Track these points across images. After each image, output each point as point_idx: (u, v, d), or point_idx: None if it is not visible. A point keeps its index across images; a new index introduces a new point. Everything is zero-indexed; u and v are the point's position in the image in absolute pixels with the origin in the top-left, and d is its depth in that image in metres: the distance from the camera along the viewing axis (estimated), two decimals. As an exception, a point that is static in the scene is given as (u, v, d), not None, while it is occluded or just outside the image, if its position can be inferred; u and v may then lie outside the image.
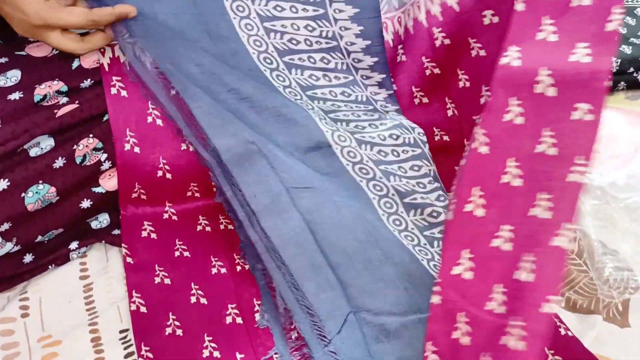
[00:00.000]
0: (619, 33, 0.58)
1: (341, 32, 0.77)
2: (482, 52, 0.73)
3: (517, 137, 0.60)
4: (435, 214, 0.72)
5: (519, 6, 0.63)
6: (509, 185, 0.60)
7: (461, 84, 0.76)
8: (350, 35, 0.77)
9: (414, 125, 0.77)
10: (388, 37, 0.79)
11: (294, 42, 0.77)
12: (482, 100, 0.74)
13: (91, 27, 0.66)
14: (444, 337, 0.60)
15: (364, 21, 0.77)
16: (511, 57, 0.61)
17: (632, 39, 0.88)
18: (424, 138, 0.77)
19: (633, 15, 0.92)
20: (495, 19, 0.70)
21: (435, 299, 0.61)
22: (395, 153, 0.74)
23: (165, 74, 0.67)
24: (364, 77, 0.79)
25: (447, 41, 0.74)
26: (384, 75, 0.80)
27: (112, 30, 0.67)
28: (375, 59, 0.79)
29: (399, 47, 0.79)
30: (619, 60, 0.85)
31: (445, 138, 0.79)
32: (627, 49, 0.86)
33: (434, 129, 0.79)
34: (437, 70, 0.77)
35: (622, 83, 0.86)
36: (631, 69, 0.85)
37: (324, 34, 0.77)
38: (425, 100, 0.79)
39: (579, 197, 0.56)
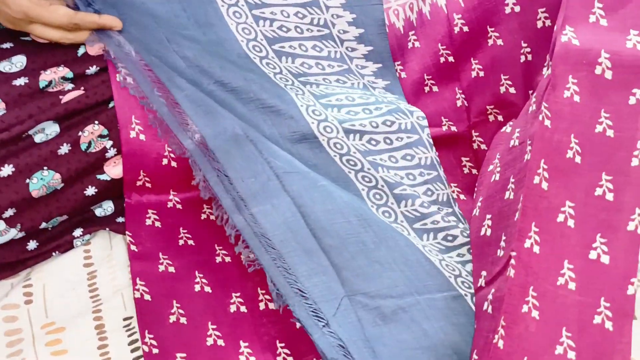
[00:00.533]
0: None
1: (333, 19, 0.77)
2: (500, 42, 0.72)
3: (577, 114, 0.61)
4: (425, 206, 0.71)
5: None
6: (572, 161, 0.60)
7: (474, 73, 0.76)
8: (343, 23, 0.77)
9: (413, 109, 0.76)
10: (399, 24, 0.78)
11: (284, 29, 0.76)
12: (502, 89, 0.74)
13: (72, 29, 0.66)
14: (515, 311, 0.59)
15: (357, 9, 0.77)
16: (570, 36, 0.62)
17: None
18: (424, 122, 0.76)
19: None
20: (517, 8, 0.70)
21: (510, 272, 0.60)
22: (388, 141, 0.73)
23: (150, 66, 0.67)
24: (359, 67, 0.79)
25: (465, 28, 0.73)
26: (379, 65, 0.79)
27: None
28: (370, 48, 0.78)
29: (411, 33, 0.78)
30: None
31: (453, 128, 0.78)
32: None
33: (442, 118, 0.78)
34: (451, 59, 0.76)
35: None
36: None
37: (315, 22, 0.76)
38: (435, 88, 0.78)
39: None
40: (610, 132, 0.60)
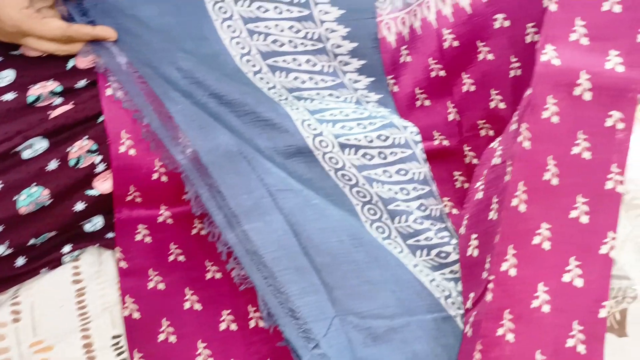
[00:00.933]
0: None
1: (327, 34, 0.76)
2: (490, 56, 0.72)
3: (554, 135, 0.62)
4: (418, 222, 0.71)
5: (552, 6, 0.63)
6: (549, 183, 0.61)
7: (465, 88, 0.75)
8: (337, 38, 0.76)
9: (407, 123, 0.76)
10: (391, 38, 0.78)
11: (278, 43, 0.76)
12: (492, 105, 0.74)
13: (66, 42, 0.65)
14: (491, 334, 0.60)
15: (351, 23, 0.76)
16: (550, 55, 0.62)
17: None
18: (418, 137, 0.76)
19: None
20: (507, 23, 0.70)
21: (488, 297, 0.61)
22: (382, 155, 0.73)
23: (144, 77, 0.67)
24: (352, 81, 0.79)
25: (455, 43, 0.73)
26: (372, 79, 0.79)
27: None
28: (363, 62, 0.78)
29: (402, 48, 0.78)
30: None
31: (445, 143, 0.78)
32: None
33: (434, 132, 0.78)
34: (442, 73, 0.76)
35: None
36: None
37: (309, 36, 0.76)
38: (427, 103, 0.78)
39: (619, 207, 0.59)
40: (586, 154, 0.60)
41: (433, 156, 0.77)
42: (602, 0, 0.62)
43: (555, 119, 0.61)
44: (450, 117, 0.77)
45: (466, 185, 0.78)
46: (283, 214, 0.65)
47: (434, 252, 0.71)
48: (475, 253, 0.66)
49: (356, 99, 0.78)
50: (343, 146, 0.71)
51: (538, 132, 0.61)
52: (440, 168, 0.78)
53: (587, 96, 0.61)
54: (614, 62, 0.60)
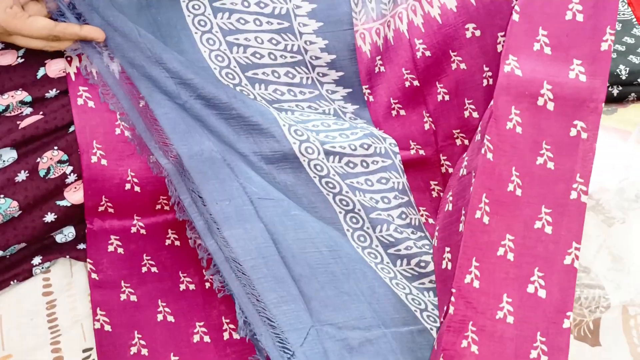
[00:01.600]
0: (611, 54, 0.62)
1: (306, 46, 0.77)
2: (463, 66, 0.73)
3: (518, 146, 0.62)
4: (399, 231, 0.71)
5: (515, 16, 0.64)
6: (513, 195, 0.62)
7: (440, 97, 0.76)
8: (315, 50, 0.77)
9: (385, 135, 0.77)
10: (365, 48, 0.78)
11: (258, 56, 0.76)
12: (466, 114, 0.74)
13: (52, 41, 0.64)
14: (454, 347, 0.60)
15: (329, 35, 0.77)
16: (512, 65, 0.63)
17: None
18: (396, 149, 0.76)
19: (631, 36, 0.93)
20: (477, 33, 0.70)
21: (450, 310, 0.61)
22: (365, 164, 0.74)
23: (132, 78, 0.67)
24: (329, 92, 0.79)
25: (427, 53, 0.74)
26: (349, 90, 0.79)
27: None
28: (341, 73, 0.78)
29: (377, 58, 0.78)
30: (628, 69, 0.86)
31: (421, 152, 0.78)
32: (635, 59, 0.87)
33: (410, 142, 0.79)
34: (416, 83, 0.76)
35: (633, 95, 0.87)
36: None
37: (288, 48, 0.76)
38: (402, 112, 0.78)
39: (583, 217, 0.60)
40: (550, 165, 0.61)
41: (410, 165, 0.78)
42: (565, 10, 0.62)
43: (518, 130, 0.62)
44: (426, 127, 0.77)
45: (442, 194, 0.79)
46: (263, 223, 0.65)
47: (413, 261, 0.71)
48: (450, 266, 0.66)
49: (334, 110, 0.78)
50: (328, 153, 0.71)
51: (501, 143, 0.62)
52: (416, 177, 0.79)
53: (550, 106, 0.62)
54: (577, 71, 0.62)
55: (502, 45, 0.68)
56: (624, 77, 0.86)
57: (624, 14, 0.96)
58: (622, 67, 0.86)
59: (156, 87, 0.67)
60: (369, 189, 0.73)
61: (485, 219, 0.61)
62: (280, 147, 0.70)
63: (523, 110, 0.62)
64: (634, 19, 0.95)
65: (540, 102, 0.62)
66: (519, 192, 0.61)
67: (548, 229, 0.60)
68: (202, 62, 0.73)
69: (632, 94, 0.87)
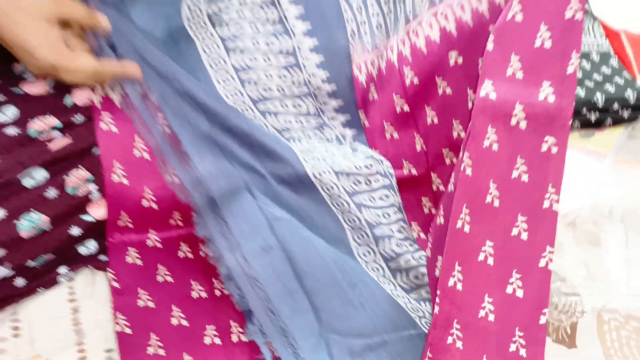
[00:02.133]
0: (577, 75, 0.67)
1: (310, 78, 0.82)
2: (449, 90, 0.78)
3: (495, 162, 0.69)
4: (399, 244, 0.77)
5: (490, 45, 0.70)
6: (491, 205, 0.68)
7: (429, 120, 0.81)
8: (318, 81, 0.82)
9: (382, 157, 0.82)
10: (362, 78, 0.84)
11: (268, 90, 0.82)
12: (455, 134, 0.79)
13: (94, 78, 0.70)
14: (440, 343, 0.66)
15: (330, 67, 0.82)
16: (488, 89, 0.69)
17: (586, 82, 0.95)
18: (392, 171, 0.82)
19: (588, 60, 0.99)
20: (460, 60, 0.75)
21: (435, 309, 0.67)
22: (368, 182, 0.79)
23: (161, 107, 0.73)
24: (330, 118, 0.85)
25: (416, 80, 0.79)
26: (348, 116, 0.85)
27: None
28: (341, 102, 0.84)
29: (371, 85, 0.84)
30: (604, 97, 0.91)
31: (414, 171, 0.83)
32: (581, 91, 0.93)
33: (404, 161, 0.84)
34: (406, 108, 0.82)
35: (609, 120, 0.92)
36: (584, 110, 0.92)
37: (295, 81, 0.82)
38: (395, 135, 0.84)
39: (556, 224, 0.66)
40: (525, 177, 0.67)
41: (403, 184, 0.83)
42: (534, 37, 0.68)
43: (495, 147, 0.68)
44: (418, 148, 0.83)
45: (434, 210, 0.84)
46: (278, 240, 0.71)
47: (412, 273, 0.77)
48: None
49: (336, 137, 0.84)
50: (337, 173, 0.77)
51: (479, 160, 0.68)
52: (409, 195, 0.84)
53: (523, 125, 0.68)
54: (546, 92, 0.67)
55: None
56: (600, 105, 0.91)
57: (602, 46, 1.01)
58: (599, 94, 0.91)
59: (180, 112, 0.73)
60: (372, 205, 0.79)
61: (467, 228, 0.67)
62: (295, 171, 0.76)
63: (498, 129, 0.68)
64: (612, 51, 1.01)
65: (514, 121, 0.68)
66: (497, 202, 0.67)
67: (524, 235, 0.66)
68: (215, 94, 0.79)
69: (609, 119, 0.92)
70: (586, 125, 0.93)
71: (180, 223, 0.77)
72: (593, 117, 0.92)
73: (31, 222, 0.68)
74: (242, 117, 0.76)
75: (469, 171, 0.68)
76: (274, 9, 0.82)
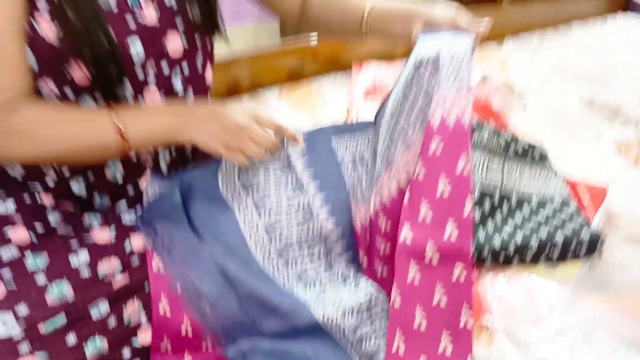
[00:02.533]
0: (473, 219, 0.88)
1: (322, 226, 1.00)
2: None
3: (417, 294, 0.89)
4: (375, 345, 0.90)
5: (406, 199, 0.92)
6: (419, 330, 0.88)
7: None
8: (327, 227, 1.00)
9: (380, 292, 0.97)
10: (358, 227, 1.02)
11: (289, 243, 0.98)
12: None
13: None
14: None
15: (337, 213, 1.01)
16: (405, 234, 0.90)
17: (550, 222, 1.12)
18: (386, 305, 0.98)
19: (552, 202, 1.18)
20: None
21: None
22: (368, 314, 0.94)
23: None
24: (336, 260, 1.02)
25: (389, 225, 0.97)
26: (350, 254, 1.02)
27: None
28: (345, 244, 1.02)
29: (366, 231, 1.02)
30: (563, 237, 1.07)
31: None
32: (544, 231, 1.09)
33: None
34: (387, 250, 0.98)
35: (542, 258, 1.07)
36: (547, 248, 1.08)
37: (311, 233, 1.00)
38: (385, 274, 0.99)
39: (472, 337, 0.88)
40: (444, 302, 0.89)
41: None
42: (435, 188, 0.89)
43: (417, 280, 0.89)
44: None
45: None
46: None
47: None
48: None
49: (340, 275, 1.00)
50: (344, 313, 0.91)
51: (405, 292, 0.89)
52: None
53: (435, 260, 0.89)
54: (449, 231, 0.89)
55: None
56: (560, 244, 1.07)
57: (563, 194, 1.20)
58: (559, 233, 1.07)
59: (201, 268, 0.93)
60: (367, 331, 0.92)
61: (401, 350, 0.88)
62: (307, 320, 0.88)
63: (418, 265, 0.89)
64: (571, 196, 1.19)
65: (427, 259, 0.89)
66: (423, 327, 0.88)
67: (448, 351, 0.87)
68: (249, 256, 0.95)
69: (570, 254, 1.07)
70: (549, 260, 1.08)
71: (209, 349, 0.93)
72: (555, 254, 1.07)
73: (95, 347, 0.86)
74: (263, 279, 0.92)
75: (397, 303, 0.89)
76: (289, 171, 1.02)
